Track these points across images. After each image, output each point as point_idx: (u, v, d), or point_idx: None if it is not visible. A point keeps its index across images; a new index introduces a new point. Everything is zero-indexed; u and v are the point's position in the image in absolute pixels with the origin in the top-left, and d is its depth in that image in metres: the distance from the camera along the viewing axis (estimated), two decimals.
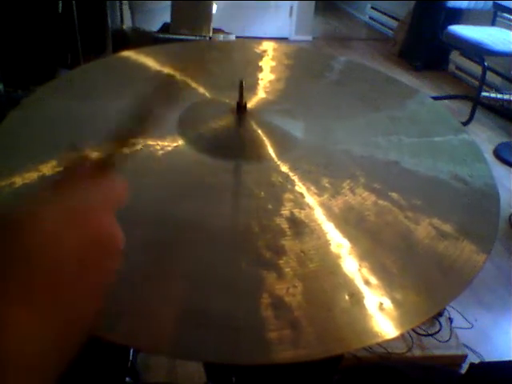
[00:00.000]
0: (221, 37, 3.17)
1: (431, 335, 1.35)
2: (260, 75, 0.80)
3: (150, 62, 0.82)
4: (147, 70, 0.80)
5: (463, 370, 0.87)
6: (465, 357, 1.33)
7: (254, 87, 0.76)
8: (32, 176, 0.56)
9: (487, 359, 1.38)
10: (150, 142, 0.61)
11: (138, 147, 0.60)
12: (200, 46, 1.01)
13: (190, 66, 0.75)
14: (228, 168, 0.59)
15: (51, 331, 0.27)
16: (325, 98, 0.77)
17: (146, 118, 0.39)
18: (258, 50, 0.89)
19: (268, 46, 0.90)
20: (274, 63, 0.85)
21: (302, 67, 0.87)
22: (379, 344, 1.26)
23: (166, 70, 0.79)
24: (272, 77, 0.80)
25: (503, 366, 0.89)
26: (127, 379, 1.02)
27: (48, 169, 0.57)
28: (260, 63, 0.84)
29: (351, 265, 0.47)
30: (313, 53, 1.16)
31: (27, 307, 0.26)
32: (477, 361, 1.33)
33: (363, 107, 0.75)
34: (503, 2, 2.99)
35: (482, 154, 0.67)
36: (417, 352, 1.31)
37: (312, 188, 0.55)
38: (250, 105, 0.64)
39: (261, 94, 0.74)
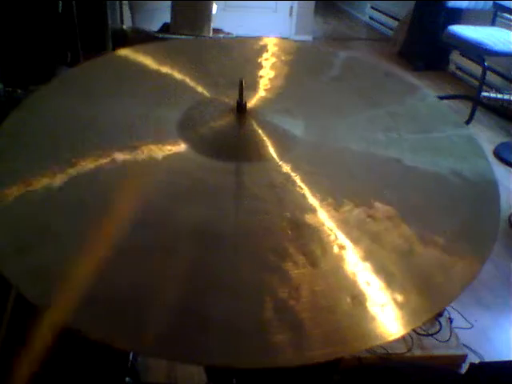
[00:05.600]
0: (221, 37, 3.16)
1: (431, 335, 1.34)
2: (260, 73, 0.79)
3: (148, 60, 0.81)
4: (145, 68, 0.79)
5: (463, 370, 0.87)
6: (465, 357, 1.33)
7: (253, 85, 0.75)
8: (32, 176, 0.56)
9: (487, 359, 1.38)
10: (151, 144, 0.61)
11: (139, 149, 0.60)
12: (199, 44, 1.00)
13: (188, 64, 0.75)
14: (229, 169, 0.59)
15: None
16: (325, 95, 0.77)
17: None
18: (257, 47, 0.88)
19: (268, 42, 0.89)
20: (273, 60, 0.84)
21: (302, 63, 0.86)
22: (380, 345, 1.26)
23: (165, 68, 0.79)
24: (272, 74, 0.79)
25: (503, 365, 0.89)
26: (127, 379, 1.02)
27: (48, 169, 0.57)
28: (259, 60, 0.83)
29: (353, 266, 0.47)
30: (312, 49, 1.15)
31: None
32: (477, 361, 1.33)
33: (363, 103, 0.74)
34: (503, 2, 2.99)
35: (482, 149, 0.66)
36: (417, 352, 1.31)
37: (313, 189, 0.55)
38: (250, 104, 0.63)
39: (261, 93, 0.74)
